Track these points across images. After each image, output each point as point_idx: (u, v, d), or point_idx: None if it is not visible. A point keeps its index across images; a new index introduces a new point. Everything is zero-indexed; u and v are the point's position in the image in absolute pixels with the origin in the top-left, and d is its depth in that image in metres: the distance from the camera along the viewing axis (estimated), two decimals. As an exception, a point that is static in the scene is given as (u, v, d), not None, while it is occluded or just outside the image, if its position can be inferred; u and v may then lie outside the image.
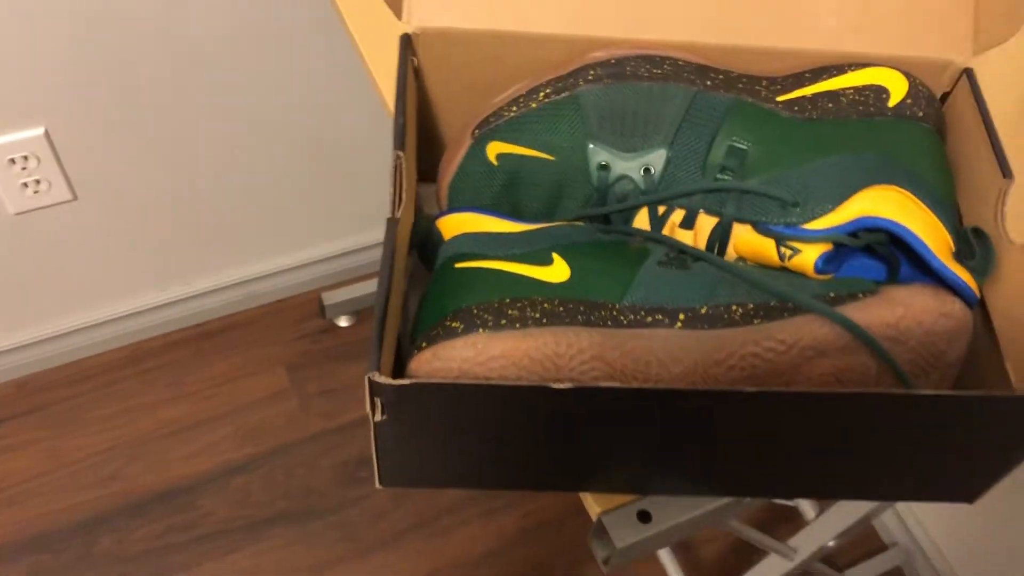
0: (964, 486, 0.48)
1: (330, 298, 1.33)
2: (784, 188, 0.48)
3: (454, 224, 0.51)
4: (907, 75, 0.53)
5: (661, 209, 0.51)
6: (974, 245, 0.48)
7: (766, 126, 0.51)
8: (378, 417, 0.39)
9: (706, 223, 0.50)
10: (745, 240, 0.49)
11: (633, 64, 0.52)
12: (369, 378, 0.37)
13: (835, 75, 0.53)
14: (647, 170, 0.51)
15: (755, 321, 0.44)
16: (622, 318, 0.44)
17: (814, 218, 0.47)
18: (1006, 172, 0.49)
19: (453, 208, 0.53)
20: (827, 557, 0.98)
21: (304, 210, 1.29)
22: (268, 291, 1.36)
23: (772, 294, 0.45)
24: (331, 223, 1.33)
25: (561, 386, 0.37)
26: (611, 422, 0.42)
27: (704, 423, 0.42)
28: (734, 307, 0.45)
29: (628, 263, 0.47)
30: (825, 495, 0.50)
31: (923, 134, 0.52)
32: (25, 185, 1.06)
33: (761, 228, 0.48)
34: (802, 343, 0.44)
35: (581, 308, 0.44)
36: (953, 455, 0.45)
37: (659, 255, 0.48)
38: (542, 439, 0.43)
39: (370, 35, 0.65)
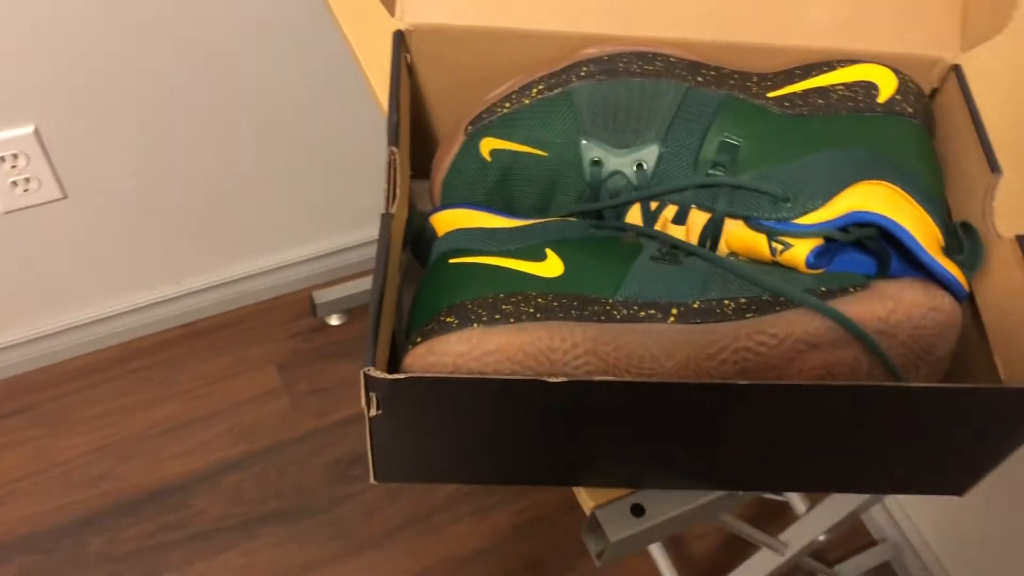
0: (954, 479, 0.49)
1: (321, 296, 1.33)
2: (775, 183, 0.49)
3: (448, 220, 0.51)
4: (896, 72, 0.54)
5: (653, 205, 0.51)
6: (963, 240, 0.49)
7: (757, 122, 0.51)
8: (373, 412, 0.39)
9: (698, 218, 0.50)
10: (737, 235, 0.49)
11: (625, 61, 0.52)
12: (364, 373, 0.37)
13: (825, 71, 0.54)
14: (640, 166, 0.51)
15: (747, 315, 0.45)
16: (615, 313, 0.44)
17: (805, 213, 0.48)
18: (994, 167, 0.49)
19: (447, 204, 0.53)
20: (817, 552, 0.99)
21: (295, 208, 1.29)
22: (259, 289, 1.36)
23: (764, 288, 0.46)
24: (322, 221, 1.33)
25: (555, 380, 0.38)
26: (604, 416, 0.42)
27: (697, 417, 0.42)
28: (726, 301, 0.45)
29: (621, 258, 0.47)
30: (817, 488, 0.51)
31: (912, 130, 0.52)
32: (15, 183, 1.05)
33: (753, 223, 0.49)
34: (794, 337, 0.44)
35: (575, 303, 0.44)
36: (943, 448, 0.45)
37: (652, 250, 0.48)
38: (536, 433, 0.43)
39: (362, 32, 0.65)
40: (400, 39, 0.53)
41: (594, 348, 0.43)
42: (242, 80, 1.09)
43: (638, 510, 0.49)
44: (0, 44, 0.93)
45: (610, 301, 0.45)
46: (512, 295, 0.44)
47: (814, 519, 0.86)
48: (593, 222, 0.51)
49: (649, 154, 0.51)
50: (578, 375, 0.43)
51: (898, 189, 0.48)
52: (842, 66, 0.54)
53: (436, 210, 0.52)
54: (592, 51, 0.53)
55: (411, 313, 0.47)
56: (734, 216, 0.49)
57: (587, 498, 0.49)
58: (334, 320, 1.37)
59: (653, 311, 0.45)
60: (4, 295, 1.19)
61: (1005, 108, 0.55)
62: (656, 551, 1.05)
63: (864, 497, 0.85)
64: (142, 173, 1.13)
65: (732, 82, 0.53)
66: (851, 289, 0.46)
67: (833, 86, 0.53)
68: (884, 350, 0.45)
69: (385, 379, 0.37)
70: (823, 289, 0.46)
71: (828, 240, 0.49)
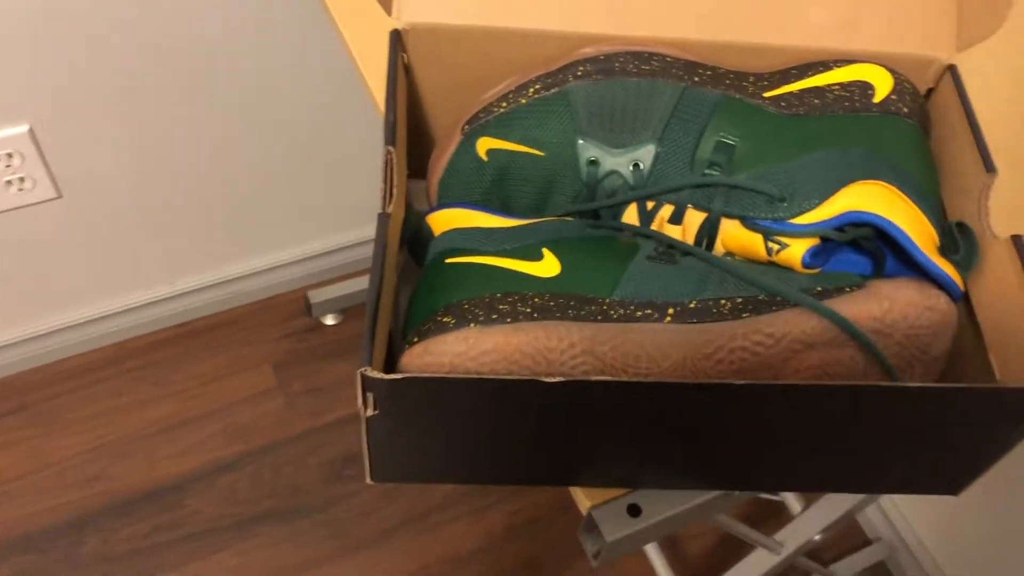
0: (949, 478, 0.49)
1: (316, 296, 1.32)
2: (771, 183, 0.49)
3: (444, 220, 0.51)
4: (892, 71, 0.54)
5: (650, 204, 0.51)
6: (958, 239, 0.49)
7: (753, 122, 0.51)
8: (370, 412, 0.39)
9: (694, 218, 0.50)
10: (733, 235, 0.49)
11: (622, 60, 0.52)
12: (361, 373, 0.37)
13: (821, 71, 0.54)
14: (636, 166, 0.51)
15: (743, 315, 0.45)
16: (612, 312, 0.44)
17: (801, 213, 0.48)
18: (989, 167, 0.49)
19: (443, 204, 0.53)
20: (812, 551, 0.99)
21: (290, 208, 1.29)
22: (253, 289, 1.36)
23: (760, 288, 0.46)
24: (317, 221, 1.33)
25: (552, 380, 0.38)
26: (601, 416, 0.42)
27: (693, 417, 0.43)
28: (723, 301, 0.45)
29: (618, 258, 0.47)
30: (813, 488, 0.51)
31: (908, 130, 0.52)
32: (9, 183, 1.05)
33: (749, 223, 0.49)
34: (790, 336, 0.44)
35: (571, 303, 0.44)
36: (939, 447, 0.45)
37: (648, 250, 0.48)
38: (533, 433, 0.43)
39: (359, 32, 0.65)
40: (397, 38, 0.53)
41: (591, 348, 0.43)
42: (237, 79, 1.09)
43: (634, 510, 0.49)
44: (-6, 43, 0.93)
45: (607, 301, 0.45)
46: (509, 295, 0.44)
47: (810, 519, 0.86)
48: (590, 222, 0.51)
49: (645, 154, 0.51)
50: (575, 375, 0.43)
51: (894, 189, 0.48)
52: (838, 66, 0.54)
53: (432, 210, 0.52)
54: (589, 51, 0.53)
55: (407, 313, 0.47)
56: (730, 216, 0.49)
57: (584, 498, 0.49)
58: (329, 320, 1.37)
59: (650, 311, 0.45)
60: (-2, 295, 1.18)
61: (1000, 108, 0.55)
62: (652, 551, 1.05)
63: (860, 497, 0.85)
64: (136, 173, 1.13)
65: (728, 82, 0.53)
66: (847, 289, 0.46)
67: (829, 86, 0.53)
68: (880, 350, 0.45)
69: (382, 379, 0.37)
70: (819, 289, 0.46)
71: (824, 240, 0.49)
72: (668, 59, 0.53)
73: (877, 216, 0.47)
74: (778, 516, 1.16)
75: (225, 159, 1.17)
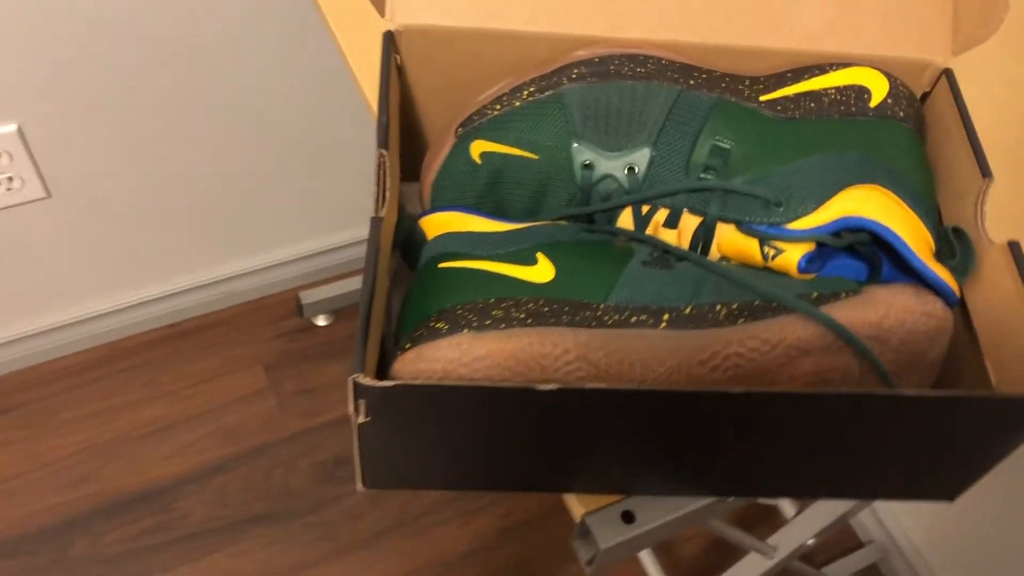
0: (945, 485, 0.49)
1: (308, 297, 1.32)
2: (767, 188, 0.48)
3: (437, 223, 0.50)
4: (888, 75, 0.53)
5: (645, 208, 0.51)
6: (955, 245, 0.48)
7: (749, 125, 0.51)
8: (362, 419, 0.39)
9: (690, 222, 0.50)
10: (729, 240, 0.49)
11: (617, 63, 0.52)
12: (353, 380, 0.37)
13: (817, 75, 0.54)
14: (631, 169, 0.51)
15: (739, 321, 0.44)
16: (606, 318, 0.44)
17: (797, 218, 0.48)
18: (985, 172, 0.49)
19: (436, 207, 0.53)
20: (805, 555, 0.99)
21: (281, 208, 1.28)
22: (245, 290, 1.35)
23: (756, 294, 0.45)
24: (309, 221, 1.32)
25: (546, 387, 0.37)
26: (595, 423, 0.42)
27: (688, 424, 0.42)
28: (718, 307, 0.45)
29: (612, 263, 0.47)
30: (807, 495, 0.50)
31: (904, 134, 0.52)
32: (-2, 182, 1.04)
33: (744, 228, 0.49)
34: (786, 343, 0.44)
35: (566, 308, 0.44)
36: (935, 454, 0.45)
37: (643, 255, 0.48)
38: (527, 440, 0.43)
39: (352, 33, 0.64)
40: (390, 40, 0.52)
41: (585, 354, 0.43)
42: (229, 79, 1.08)
43: (628, 516, 0.48)
44: (-17, 41, 0.92)
45: (601, 306, 0.44)
46: (502, 300, 0.44)
47: (803, 523, 0.85)
48: (584, 226, 0.51)
49: (640, 157, 0.51)
50: (569, 381, 0.43)
51: (890, 193, 0.48)
52: (834, 69, 0.54)
53: (426, 213, 0.52)
54: (583, 53, 0.53)
55: (400, 317, 0.46)
56: (726, 220, 0.49)
57: (577, 504, 0.49)
58: (321, 321, 1.36)
59: (644, 316, 0.44)
60: (-13, 295, 1.18)
61: (996, 112, 0.55)
62: (644, 554, 1.05)
63: (854, 501, 0.85)
64: (127, 172, 1.12)
65: (724, 85, 0.53)
66: (843, 295, 0.46)
67: (825, 90, 0.53)
68: (876, 356, 0.45)
69: (374, 386, 0.37)
70: (815, 295, 0.46)
71: (820, 245, 0.48)
72: (663, 62, 0.53)
73: (873, 221, 0.47)
74: (772, 519, 1.16)
75: (217, 158, 1.16)
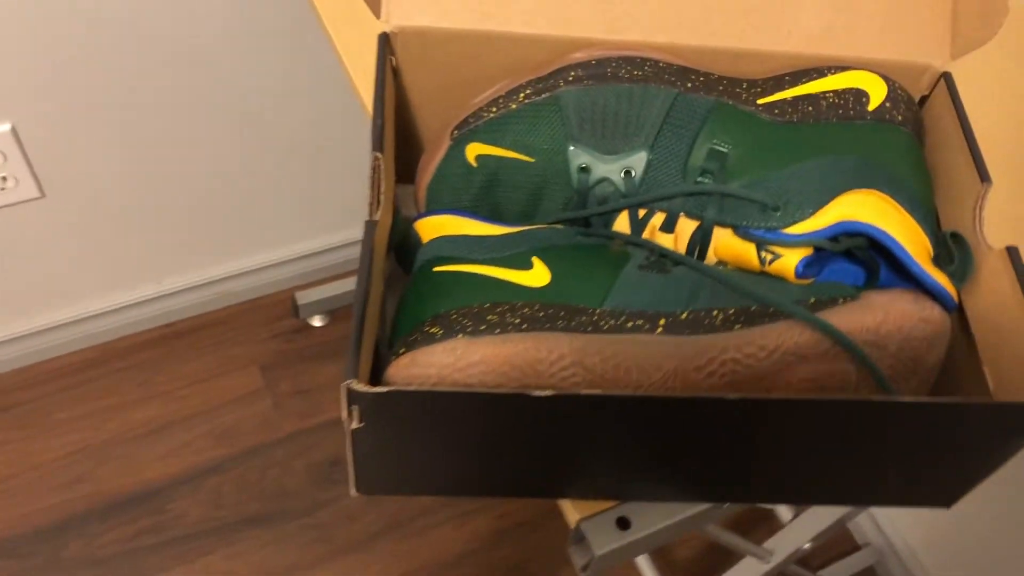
0: (942, 491, 0.48)
1: (304, 297, 1.31)
2: (764, 192, 0.48)
3: (432, 226, 0.50)
4: (886, 79, 0.53)
5: (642, 212, 0.50)
6: (953, 250, 0.48)
7: (746, 129, 0.51)
8: (355, 425, 0.38)
9: (687, 226, 0.50)
10: (726, 244, 0.49)
11: (614, 65, 0.52)
12: (347, 386, 0.37)
13: (815, 78, 0.53)
14: (628, 173, 0.50)
15: (736, 327, 0.44)
16: (602, 323, 0.44)
17: (795, 222, 0.47)
18: (984, 176, 0.49)
19: (432, 210, 0.52)
20: (801, 558, 0.98)
21: (277, 208, 1.28)
22: (241, 290, 1.35)
23: (753, 299, 0.45)
24: (305, 221, 1.32)
25: (541, 393, 0.37)
26: (591, 429, 0.41)
27: (684, 430, 0.42)
28: (715, 312, 0.45)
29: (608, 267, 0.47)
30: (804, 501, 0.50)
31: (902, 138, 0.52)
32: (-8, 182, 1.04)
33: (741, 232, 0.48)
34: (783, 349, 0.44)
35: (561, 313, 0.44)
36: (932, 461, 0.45)
37: (639, 259, 0.47)
38: (522, 446, 0.43)
39: (347, 34, 0.64)
40: (385, 41, 0.52)
41: (580, 359, 0.42)
42: (224, 79, 1.08)
43: (624, 523, 0.48)
44: (-23, 40, 0.92)
45: (597, 311, 0.44)
46: (498, 305, 0.44)
47: (800, 527, 0.85)
48: (580, 229, 0.50)
49: (637, 161, 0.50)
50: (564, 387, 0.42)
51: (888, 198, 0.48)
52: (832, 73, 0.53)
53: (421, 216, 0.51)
54: (580, 55, 0.52)
55: (394, 321, 0.46)
56: (723, 224, 0.49)
57: (572, 510, 0.49)
58: (316, 321, 1.36)
59: (641, 321, 0.44)
60: (-19, 295, 1.17)
61: (995, 116, 0.55)
62: (640, 556, 1.05)
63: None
64: (121, 172, 1.12)
65: (721, 88, 0.52)
66: (840, 300, 0.45)
67: (823, 93, 0.53)
68: (874, 362, 0.45)
69: (368, 393, 0.37)
70: (812, 300, 0.45)
71: (818, 250, 0.48)
72: (661, 64, 0.52)
73: (871, 226, 0.46)
74: (768, 523, 1.15)
75: (212, 158, 1.16)
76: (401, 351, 0.43)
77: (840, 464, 0.45)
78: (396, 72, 0.54)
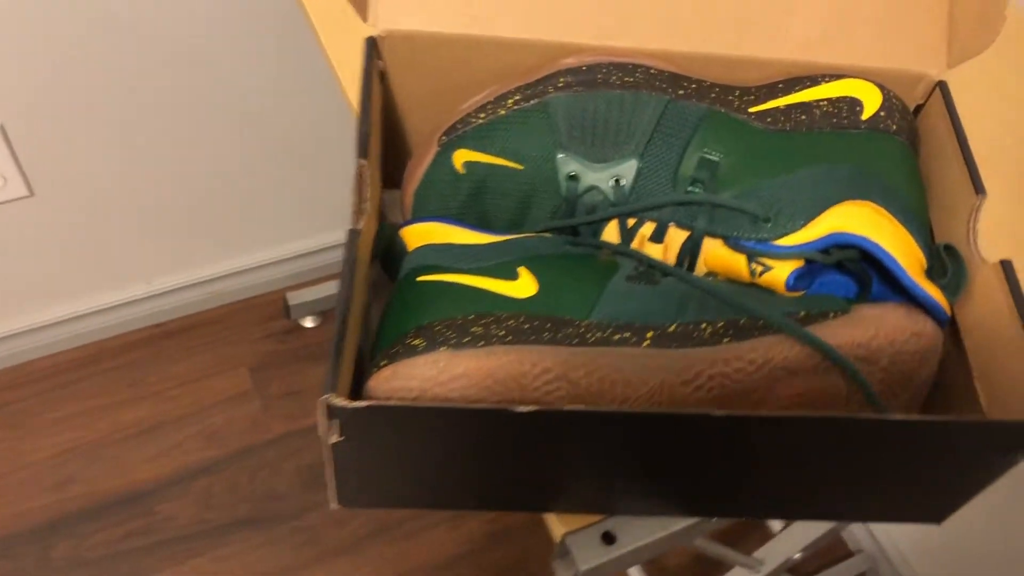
0: (932, 508, 0.48)
1: (295, 298, 1.31)
2: (756, 202, 0.47)
3: (419, 234, 0.49)
4: (881, 87, 0.52)
5: (631, 221, 0.49)
6: (946, 263, 0.47)
7: (738, 138, 0.50)
8: (334, 439, 0.38)
9: (676, 237, 0.49)
10: (716, 255, 0.48)
11: (604, 72, 0.51)
12: (324, 401, 0.36)
13: (808, 86, 0.53)
14: (617, 181, 0.49)
15: (724, 340, 0.43)
16: (589, 336, 0.43)
17: (786, 234, 0.47)
18: (979, 188, 0.48)
19: (418, 217, 0.52)
20: (794, 565, 0.98)
21: (269, 208, 1.27)
22: (232, 290, 1.34)
23: (743, 312, 0.44)
24: (297, 221, 1.31)
25: (523, 409, 0.36)
26: (575, 444, 0.41)
27: (670, 445, 0.41)
28: (703, 325, 0.44)
29: (596, 278, 0.46)
30: (793, 516, 0.49)
31: (896, 148, 0.51)
32: (-20, 181, 1.03)
33: (732, 243, 0.47)
34: (772, 363, 0.43)
35: (547, 325, 0.43)
36: (923, 478, 0.44)
37: (628, 269, 0.47)
38: (505, 461, 0.42)
39: (336, 37, 0.63)
40: (372, 46, 0.51)
41: (565, 373, 0.42)
42: (215, 78, 1.07)
43: (609, 538, 0.47)
44: (-35, 38, 0.91)
45: (584, 323, 0.43)
46: (482, 316, 0.43)
47: (790, 537, 0.85)
48: (569, 238, 0.49)
49: (627, 169, 0.49)
50: (549, 400, 0.42)
51: (881, 210, 0.47)
52: (826, 81, 0.53)
53: (407, 223, 0.50)
54: (570, 61, 0.52)
55: (378, 332, 0.45)
56: (713, 235, 0.48)
57: (557, 524, 0.48)
58: (308, 322, 1.35)
59: (628, 334, 0.43)
60: (-31, 293, 1.16)
61: (991, 126, 0.54)
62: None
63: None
64: (111, 171, 1.11)
65: (713, 95, 0.52)
66: (831, 314, 0.45)
67: (816, 101, 0.52)
68: (864, 377, 0.44)
69: (346, 407, 0.36)
70: (803, 313, 0.45)
71: (809, 261, 0.47)
72: (652, 71, 0.52)
73: (863, 238, 0.46)
74: (758, 532, 1.15)
75: (203, 158, 1.15)
76: (383, 363, 0.42)
77: (829, 480, 0.44)
78: (384, 76, 0.53)
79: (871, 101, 0.52)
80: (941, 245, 0.48)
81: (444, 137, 0.51)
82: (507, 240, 0.48)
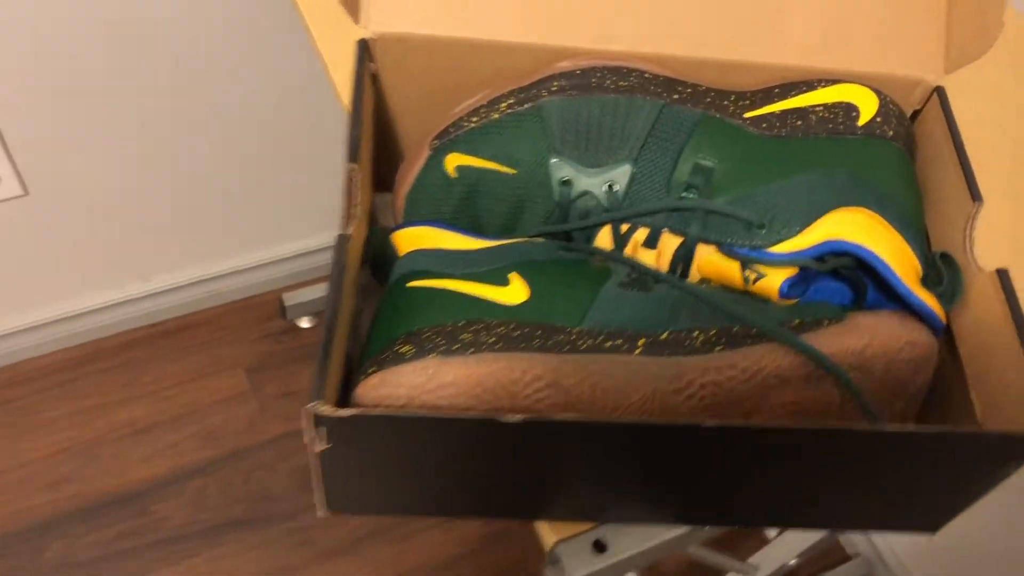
0: (927, 517, 0.47)
1: (291, 298, 1.30)
2: (750, 209, 0.47)
3: (410, 239, 0.49)
4: (878, 93, 0.52)
5: (624, 227, 0.49)
6: (942, 271, 0.47)
7: (733, 143, 0.49)
8: (320, 447, 0.37)
9: (670, 243, 0.48)
10: (709, 261, 0.48)
11: (599, 75, 0.50)
12: (311, 410, 0.35)
13: (804, 91, 0.52)
14: (611, 186, 0.49)
15: (716, 348, 0.43)
16: (580, 343, 0.42)
17: (780, 241, 0.46)
18: (975, 195, 0.48)
19: (409, 222, 0.51)
20: (789, 571, 0.97)
21: (266, 208, 1.27)
22: (228, 290, 1.34)
23: (735, 319, 0.44)
24: (293, 222, 1.31)
25: (512, 419, 0.36)
26: (565, 452, 0.40)
27: (661, 454, 0.41)
28: (695, 333, 0.43)
29: (588, 284, 0.45)
30: (787, 525, 0.49)
31: (893, 154, 0.50)
32: (-26, 179, 1.02)
33: (726, 250, 0.47)
34: (764, 372, 0.42)
35: (538, 332, 0.42)
36: (918, 488, 0.44)
37: (621, 276, 0.46)
38: (494, 469, 0.41)
39: (330, 38, 0.63)
40: (364, 48, 0.51)
41: (556, 380, 0.41)
42: (212, 79, 1.06)
43: (600, 546, 0.47)
44: (-40, 36, 0.90)
45: (575, 331, 0.43)
46: (472, 323, 0.42)
47: (785, 543, 0.84)
48: (561, 244, 0.49)
49: (621, 174, 0.49)
50: (539, 409, 0.41)
51: (877, 217, 0.46)
52: (822, 86, 0.52)
53: (398, 227, 0.50)
54: (565, 65, 0.51)
55: (367, 338, 0.45)
56: (707, 241, 0.48)
57: (548, 531, 0.48)
58: (304, 322, 1.35)
59: (620, 341, 0.43)
60: (-36, 292, 1.16)
61: (988, 132, 0.53)
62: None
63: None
64: (106, 170, 1.10)
65: (708, 100, 0.51)
66: (825, 322, 0.44)
67: (812, 107, 0.51)
68: (858, 386, 0.43)
69: (332, 416, 0.35)
70: (796, 321, 0.44)
71: (803, 269, 0.47)
72: (647, 75, 0.51)
73: (859, 246, 0.45)
74: (754, 538, 1.14)
75: (201, 158, 1.15)
76: (371, 370, 0.41)
77: (822, 490, 0.44)
78: (376, 78, 0.53)
79: (868, 106, 0.52)
80: (937, 253, 0.48)
81: (436, 141, 0.51)
82: (499, 245, 0.48)
